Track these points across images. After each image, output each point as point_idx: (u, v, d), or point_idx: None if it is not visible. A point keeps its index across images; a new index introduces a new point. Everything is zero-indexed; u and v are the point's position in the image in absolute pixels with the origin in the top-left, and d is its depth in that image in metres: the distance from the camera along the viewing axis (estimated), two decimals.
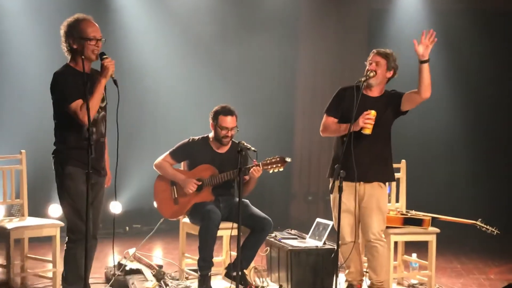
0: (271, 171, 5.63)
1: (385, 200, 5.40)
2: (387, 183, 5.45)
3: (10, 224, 5.36)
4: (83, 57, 4.49)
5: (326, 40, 9.51)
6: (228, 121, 5.72)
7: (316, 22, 9.58)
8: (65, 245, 4.68)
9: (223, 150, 5.84)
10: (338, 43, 9.52)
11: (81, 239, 4.57)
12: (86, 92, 4.41)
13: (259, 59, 9.30)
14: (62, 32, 4.59)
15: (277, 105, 9.48)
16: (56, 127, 4.66)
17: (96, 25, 4.60)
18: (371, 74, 5.23)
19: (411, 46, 9.15)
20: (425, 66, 5.15)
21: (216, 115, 5.76)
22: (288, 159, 5.60)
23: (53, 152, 4.67)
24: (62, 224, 5.51)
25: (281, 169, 5.63)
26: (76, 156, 4.57)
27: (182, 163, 5.97)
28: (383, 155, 5.37)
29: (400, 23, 9.44)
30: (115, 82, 4.50)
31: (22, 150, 5.72)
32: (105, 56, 4.49)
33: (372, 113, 5.17)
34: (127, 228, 8.68)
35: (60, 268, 5.54)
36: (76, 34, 4.53)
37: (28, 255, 5.66)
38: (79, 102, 4.47)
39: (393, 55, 5.36)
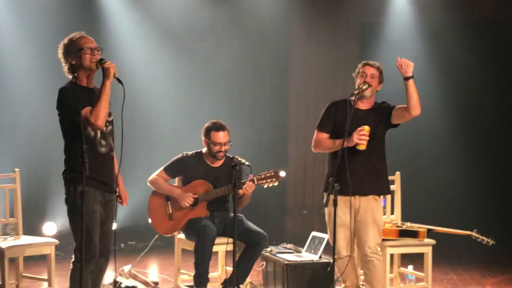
0: (265, 186, 5.63)
1: (380, 213, 5.39)
2: (381, 196, 5.45)
3: (5, 243, 5.34)
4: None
5: (318, 52, 9.54)
6: (221, 136, 5.73)
7: (307, 34, 9.61)
8: (71, 264, 4.62)
9: (217, 164, 5.84)
10: (330, 55, 9.56)
11: (88, 259, 4.52)
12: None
13: (252, 72, 9.33)
14: (60, 54, 4.63)
15: (270, 119, 9.49)
16: (65, 145, 4.61)
17: (90, 37, 4.66)
18: (364, 87, 5.22)
19: (403, 55, 9.19)
20: (410, 83, 5.14)
21: (208, 131, 5.76)
22: (283, 173, 5.61)
23: (64, 172, 4.61)
24: (57, 242, 5.49)
25: (276, 184, 5.63)
26: (89, 175, 4.41)
27: (176, 178, 5.97)
28: (378, 168, 5.36)
29: (392, 35, 9.49)
30: (119, 80, 4.51)
31: (15, 169, 5.70)
32: (104, 61, 4.53)
33: (366, 128, 5.16)
34: (122, 245, 8.63)
35: (56, 286, 5.54)
36: (72, 49, 4.57)
37: (23, 274, 5.63)
38: (89, 108, 4.47)
39: (382, 68, 5.39)
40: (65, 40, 4.64)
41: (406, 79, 5.12)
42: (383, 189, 5.41)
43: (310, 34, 9.58)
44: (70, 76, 4.62)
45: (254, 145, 8.75)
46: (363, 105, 5.31)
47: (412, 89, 5.14)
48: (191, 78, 9.11)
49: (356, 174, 5.24)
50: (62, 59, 4.63)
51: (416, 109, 5.17)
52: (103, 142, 4.62)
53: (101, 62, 4.53)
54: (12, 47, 8.04)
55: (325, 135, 5.39)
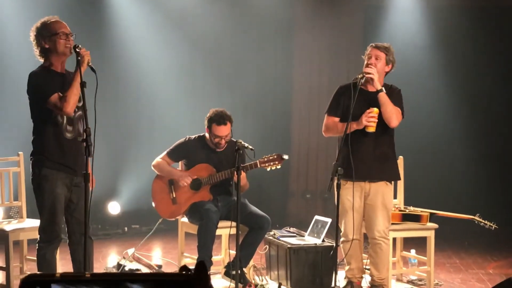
0: (268, 169, 5.64)
1: (390, 198, 5.39)
2: (392, 182, 5.46)
3: (9, 226, 5.37)
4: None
5: (321, 37, 9.50)
6: (221, 129, 5.72)
7: (311, 19, 9.56)
8: (37, 244, 4.78)
9: (220, 148, 5.85)
10: (334, 40, 9.51)
11: (52, 240, 4.73)
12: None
13: (255, 57, 9.30)
14: (32, 36, 4.68)
15: (273, 103, 9.48)
16: (34, 129, 4.71)
17: (64, 22, 4.69)
18: (359, 76, 5.18)
19: (406, 42, 9.20)
20: (380, 97, 5.18)
21: (210, 123, 5.76)
22: (286, 156, 5.61)
23: (31, 154, 4.73)
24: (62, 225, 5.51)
25: (279, 167, 5.64)
26: (52, 158, 4.64)
27: (179, 163, 5.99)
28: (387, 153, 5.36)
29: (396, 20, 9.45)
30: (92, 69, 4.46)
31: (19, 152, 5.71)
32: (79, 47, 4.52)
33: (375, 110, 5.16)
34: (126, 228, 8.68)
35: (60, 269, 5.58)
36: (46, 33, 4.62)
37: (27, 257, 5.65)
38: (58, 94, 4.53)
39: (391, 49, 5.37)
40: (38, 24, 4.68)
41: (377, 92, 5.18)
42: (392, 174, 5.42)
43: (314, 19, 9.54)
44: (41, 60, 4.68)
45: (258, 129, 8.74)
46: (372, 88, 5.29)
47: (382, 103, 5.18)
48: (195, 63, 9.09)
49: (365, 159, 5.26)
50: (34, 42, 4.68)
51: (390, 122, 5.22)
52: (69, 127, 4.68)
53: (75, 48, 4.52)
54: (18, 32, 8.03)
55: (335, 119, 5.38)
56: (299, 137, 9.70)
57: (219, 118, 5.72)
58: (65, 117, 4.62)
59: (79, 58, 4.49)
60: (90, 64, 4.50)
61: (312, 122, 9.62)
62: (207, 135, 5.87)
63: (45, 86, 4.55)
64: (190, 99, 9.04)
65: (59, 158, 4.65)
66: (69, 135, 4.68)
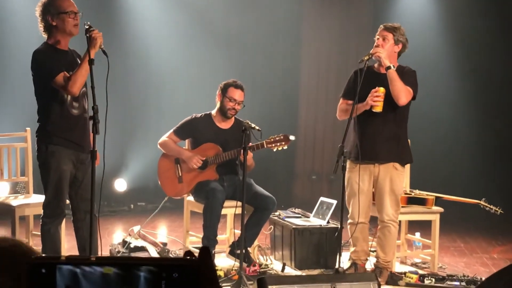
0: (275, 149, 5.63)
1: (399, 183, 5.36)
2: (404, 166, 5.45)
3: (15, 201, 5.39)
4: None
5: (330, 21, 9.46)
6: (237, 94, 5.73)
7: (320, 4, 9.53)
8: (41, 220, 4.82)
9: (227, 126, 5.85)
10: (343, 24, 9.46)
11: (56, 216, 4.79)
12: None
13: (263, 39, 9.27)
14: (38, 12, 4.65)
15: (281, 85, 9.45)
16: (39, 106, 4.72)
17: (72, 0, 4.65)
18: (365, 58, 5.16)
19: (416, 29, 9.14)
20: (389, 73, 5.16)
21: (226, 86, 5.75)
22: (292, 137, 5.60)
23: (37, 131, 4.74)
24: (67, 201, 5.53)
25: (285, 147, 5.63)
26: (59, 134, 4.65)
27: (186, 141, 5.99)
28: (397, 134, 5.34)
29: (405, 6, 9.39)
30: (104, 52, 4.42)
31: (27, 128, 5.72)
32: (92, 29, 4.45)
33: (381, 90, 5.15)
34: (132, 206, 8.72)
35: (65, 245, 5.62)
36: (53, 11, 4.58)
37: (33, 232, 5.68)
38: (64, 74, 4.53)
39: (401, 29, 5.34)
40: (44, 0, 4.63)
41: (386, 69, 5.16)
42: (402, 156, 5.38)
43: (323, 3, 9.49)
44: (45, 35, 4.66)
45: (265, 110, 8.72)
46: (383, 69, 5.27)
47: (391, 80, 5.15)
48: (204, 42, 9.07)
49: (374, 140, 5.27)
50: (39, 17, 4.64)
51: (398, 99, 5.17)
52: (75, 104, 4.69)
53: (88, 30, 4.45)
54: (25, 9, 8.00)
55: (349, 102, 5.34)
56: (306, 118, 9.69)
57: (236, 83, 5.76)
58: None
59: (90, 39, 4.41)
60: (102, 47, 4.45)
61: (319, 103, 9.61)
62: (213, 112, 5.86)
63: (51, 65, 4.53)
64: (198, 78, 9.01)
65: (65, 134, 4.66)
66: (76, 111, 4.69)
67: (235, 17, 9.10)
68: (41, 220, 4.82)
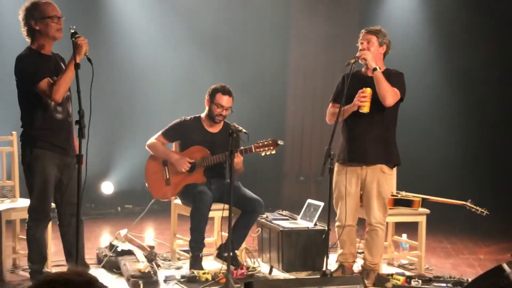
0: (263, 154, 5.64)
1: (386, 186, 5.38)
2: (393, 168, 5.46)
3: (1, 205, 5.36)
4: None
5: (317, 23, 9.47)
6: (225, 100, 5.73)
7: (308, 4, 9.55)
8: (26, 224, 4.83)
9: (215, 130, 5.85)
10: (330, 25, 9.49)
11: (41, 219, 4.80)
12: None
13: (251, 41, 9.28)
14: (21, 16, 4.65)
15: (268, 86, 9.46)
16: (22, 111, 4.71)
17: (54, 4, 4.66)
18: (352, 61, 5.18)
19: (402, 27, 9.16)
20: (375, 75, 5.19)
21: (214, 92, 5.76)
22: (281, 142, 5.61)
23: (22, 135, 4.74)
24: (53, 205, 5.51)
25: (273, 152, 5.64)
26: (44, 138, 4.66)
27: (173, 144, 5.98)
28: (385, 136, 5.36)
29: (392, 4, 9.43)
30: (89, 60, 4.40)
31: (13, 132, 5.69)
32: (77, 35, 4.44)
33: (368, 90, 5.18)
34: (119, 208, 8.70)
35: (52, 248, 5.59)
36: (37, 15, 4.59)
37: (20, 236, 5.66)
38: (48, 80, 4.53)
39: (382, 31, 5.39)
40: (28, 3, 4.64)
41: (372, 71, 5.19)
42: (389, 158, 5.38)
43: (310, 3, 9.51)
44: (28, 39, 4.65)
45: (252, 111, 8.71)
46: (371, 72, 5.28)
47: (377, 81, 5.18)
48: (192, 44, 9.06)
49: (361, 141, 5.29)
50: (22, 21, 4.64)
51: (384, 99, 5.19)
52: (59, 108, 4.71)
53: (74, 36, 4.44)
54: (15, 12, 7.97)
55: (338, 106, 5.34)
56: (294, 119, 9.71)
57: (224, 89, 5.76)
58: None
59: (76, 46, 4.40)
60: (87, 54, 4.44)
61: (306, 104, 9.63)
62: (202, 115, 5.87)
63: (34, 70, 4.52)
64: (186, 79, 9.01)
65: (50, 138, 4.67)
66: (60, 115, 4.70)
67: (222, 20, 9.10)
68: (26, 224, 4.81)
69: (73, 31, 4.45)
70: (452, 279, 5.48)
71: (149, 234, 7.43)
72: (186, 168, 5.73)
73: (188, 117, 5.91)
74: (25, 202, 5.49)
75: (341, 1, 9.57)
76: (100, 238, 7.17)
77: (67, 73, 4.48)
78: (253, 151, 5.61)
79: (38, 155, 4.65)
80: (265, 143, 5.61)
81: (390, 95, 5.18)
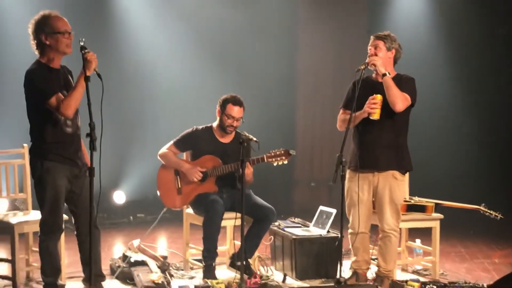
0: (275, 164, 5.62)
1: (398, 192, 5.34)
2: (405, 174, 5.43)
3: (14, 218, 5.37)
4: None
5: (326, 27, 9.48)
6: (235, 110, 5.72)
7: (315, 10, 9.55)
8: (38, 237, 4.83)
9: (227, 140, 5.84)
10: (338, 31, 9.49)
11: (54, 232, 4.80)
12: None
13: (259, 48, 9.29)
14: (31, 29, 4.64)
15: (277, 92, 9.46)
16: (32, 124, 4.71)
17: (64, 19, 4.65)
18: (362, 67, 5.17)
19: (411, 30, 9.13)
20: (384, 80, 5.16)
21: (225, 103, 5.74)
22: (293, 152, 5.60)
23: (31, 148, 4.74)
24: (66, 217, 5.51)
25: (285, 162, 5.64)
26: (54, 151, 4.66)
27: (184, 153, 5.98)
28: (396, 142, 5.32)
29: (401, 8, 9.40)
30: (99, 75, 4.42)
31: (24, 144, 5.71)
32: (86, 50, 4.46)
33: (378, 97, 5.16)
34: (131, 217, 8.70)
35: (66, 260, 5.60)
36: (47, 30, 4.58)
37: (33, 249, 5.67)
38: (59, 96, 4.54)
39: (391, 36, 5.35)
40: (38, 17, 4.64)
41: (382, 76, 5.16)
42: (401, 163, 5.35)
43: (318, 10, 9.52)
44: (37, 53, 4.66)
45: (263, 117, 8.72)
46: (381, 77, 5.25)
47: (386, 87, 5.15)
48: (201, 54, 9.07)
49: (372, 148, 5.27)
50: (32, 35, 4.64)
51: (394, 105, 5.16)
52: (68, 122, 4.71)
53: (83, 49, 4.45)
54: (23, 26, 8.00)
55: (349, 112, 5.30)
56: (304, 124, 9.71)
57: (235, 99, 5.74)
58: None
59: (86, 61, 4.43)
60: (96, 70, 4.45)
61: (316, 110, 9.63)
62: (214, 125, 5.86)
63: (45, 86, 4.52)
64: (195, 88, 9.03)
65: (61, 151, 4.68)
66: (69, 129, 4.71)
67: (229, 28, 9.11)
68: (38, 238, 4.81)
69: (82, 43, 4.45)
70: (467, 285, 5.43)
71: (162, 244, 7.43)
72: (198, 177, 5.73)
73: (200, 127, 5.90)
74: (38, 215, 5.47)
75: (349, 6, 9.55)
76: (113, 248, 7.17)
77: (78, 89, 4.48)
78: (265, 161, 5.60)
79: (49, 168, 4.65)
80: (277, 153, 5.60)
81: (400, 101, 5.15)
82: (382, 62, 5.22)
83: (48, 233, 4.79)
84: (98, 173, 4.40)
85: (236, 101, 5.74)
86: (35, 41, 4.63)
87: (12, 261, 5.27)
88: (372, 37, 5.38)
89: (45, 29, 4.58)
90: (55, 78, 4.60)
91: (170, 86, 9.03)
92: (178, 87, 9.03)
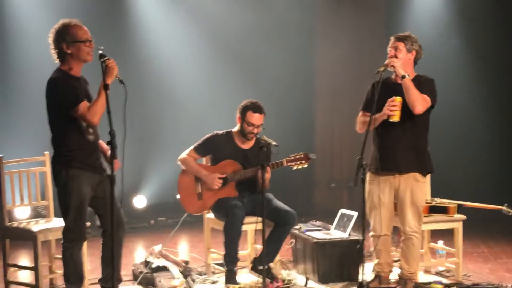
0: (295, 168, 5.60)
1: (420, 194, 5.30)
2: (426, 176, 5.38)
3: (36, 226, 5.39)
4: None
5: (343, 28, 9.45)
6: (256, 118, 5.69)
7: (332, 12, 9.53)
8: (62, 245, 4.84)
9: (247, 146, 5.83)
10: (356, 30, 9.45)
11: (78, 240, 4.80)
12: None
13: (276, 49, 9.29)
14: (51, 38, 4.66)
15: (296, 92, 9.44)
16: (55, 133, 4.71)
17: (85, 27, 4.68)
18: (381, 69, 5.12)
19: (429, 30, 9.07)
20: (404, 82, 5.11)
21: (245, 110, 5.72)
22: (313, 156, 5.58)
23: (55, 157, 4.74)
24: (88, 223, 5.53)
25: (305, 166, 5.61)
26: (79, 159, 4.68)
27: (204, 158, 5.98)
28: (416, 144, 5.28)
29: (418, 8, 9.35)
30: (121, 81, 4.48)
31: (45, 152, 5.74)
32: (106, 58, 4.49)
33: (397, 99, 5.11)
34: (152, 221, 8.73)
35: (88, 266, 5.62)
36: (68, 39, 4.61)
37: (56, 256, 5.69)
38: (85, 103, 4.56)
39: (411, 37, 5.29)
40: (59, 26, 4.66)
41: (401, 78, 5.12)
42: (422, 166, 5.30)
43: (335, 12, 9.50)
44: (58, 62, 4.68)
45: (281, 119, 8.71)
46: (400, 79, 5.21)
47: (406, 89, 5.10)
48: (219, 59, 9.08)
49: (392, 150, 5.23)
50: (53, 44, 4.66)
51: (414, 107, 5.11)
52: (90, 130, 4.73)
53: (102, 57, 4.48)
54: (43, 34, 8.05)
55: (368, 114, 5.27)
56: (322, 126, 9.70)
57: (255, 106, 5.71)
58: None
59: (107, 69, 4.46)
60: (118, 77, 4.50)
61: (336, 110, 9.60)
62: (234, 130, 5.85)
63: (73, 94, 4.54)
64: (214, 92, 9.04)
65: (84, 158, 4.69)
66: (92, 137, 4.73)
67: (246, 30, 9.11)
68: (62, 246, 4.83)
69: (101, 52, 4.47)
70: (491, 286, 5.40)
71: (183, 247, 7.44)
72: (218, 185, 5.72)
73: (220, 132, 5.90)
74: (60, 222, 5.52)
75: (367, 5, 9.51)
76: (135, 253, 7.20)
77: (102, 96, 4.50)
78: (285, 165, 5.58)
79: (74, 175, 4.67)
80: (297, 156, 5.58)
81: (419, 103, 5.11)
82: (401, 64, 5.18)
83: (72, 240, 4.81)
84: (120, 178, 4.46)
85: (257, 108, 5.71)
86: (56, 50, 4.65)
87: (35, 269, 5.30)
88: (392, 38, 5.33)
89: (66, 38, 4.60)
90: (78, 86, 4.63)
91: (189, 90, 9.04)
92: (196, 91, 9.05)
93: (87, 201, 4.77)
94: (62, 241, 4.85)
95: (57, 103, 4.60)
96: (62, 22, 4.68)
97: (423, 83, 5.22)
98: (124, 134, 4.34)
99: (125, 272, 6.00)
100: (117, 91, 4.41)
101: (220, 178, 5.73)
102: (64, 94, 4.55)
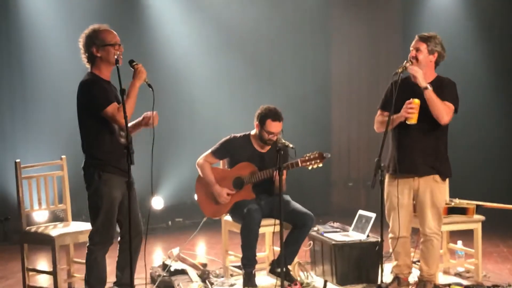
0: (310, 167, 5.56)
1: (440, 195, 5.25)
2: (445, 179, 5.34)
3: (55, 230, 5.41)
4: (117, 64, 4.63)
5: (359, 27, 9.43)
6: (275, 126, 5.66)
7: (348, 12, 9.50)
8: (87, 248, 4.85)
9: (265, 149, 5.81)
10: (372, 29, 9.43)
11: (105, 243, 4.82)
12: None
13: (292, 49, 9.27)
14: (82, 43, 4.77)
15: (312, 93, 9.42)
16: (88, 135, 4.74)
17: (114, 31, 4.77)
18: (399, 70, 5.06)
19: (446, 30, 9.00)
20: (426, 94, 5.04)
21: (264, 118, 5.68)
22: (327, 155, 5.54)
23: (88, 160, 4.76)
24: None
25: (320, 165, 5.56)
26: (112, 163, 4.72)
27: (221, 161, 5.98)
28: (435, 147, 5.22)
29: (435, 7, 9.28)
30: (149, 85, 4.63)
31: (62, 156, 5.76)
32: (135, 63, 4.66)
33: (415, 101, 5.06)
34: (170, 222, 8.74)
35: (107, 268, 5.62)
36: (98, 43, 4.70)
37: (74, 259, 5.71)
38: (115, 105, 4.62)
39: (436, 38, 5.20)
40: (89, 31, 4.75)
41: (423, 89, 5.06)
42: (441, 169, 5.24)
43: (351, 12, 9.49)
44: (88, 66, 4.77)
45: (298, 118, 8.68)
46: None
47: (429, 100, 5.05)
48: (235, 61, 9.07)
49: (411, 152, 5.18)
50: (83, 48, 4.76)
51: (440, 119, 5.06)
52: (122, 133, 4.76)
53: (131, 63, 4.64)
54: (59, 38, 8.09)
55: (386, 114, 5.23)
56: (339, 125, 9.67)
57: (274, 115, 5.67)
58: None
59: (136, 72, 4.63)
60: (146, 81, 4.63)
61: (351, 110, 9.57)
62: (252, 133, 5.83)
63: (103, 95, 4.62)
64: (230, 96, 9.04)
65: (117, 162, 4.72)
66: (123, 140, 4.74)
67: (263, 32, 9.11)
68: (87, 248, 4.84)
69: (130, 58, 4.63)
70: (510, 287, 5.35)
71: (201, 249, 7.44)
72: (225, 201, 5.77)
73: (238, 135, 5.88)
74: (78, 226, 5.56)
75: (382, 4, 9.46)
76: (153, 255, 7.20)
77: (131, 97, 4.62)
78: (300, 165, 5.55)
79: (106, 180, 4.71)
80: (311, 156, 5.53)
81: (445, 114, 5.05)
82: (422, 74, 5.09)
83: (99, 243, 4.82)
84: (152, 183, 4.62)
85: (276, 116, 5.66)
86: (86, 54, 4.74)
87: (53, 274, 5.31)
88: (416, 37, 5.26)
89: (96, 42, 4.69)
90: (109, 89, 4.70)
91: (205, 91, 9.06)
92: (213, 92, 9.07)
93: (117, 205, 4.81)
94: (88, 244, 4.86)
95: (89, 105, 4.66)
96: (92, 27, 4.78)
97: (445, 89, 5.15)
98: (153, 136, 4.52)
99: (142, 274, 6.00)
100: (143, 94, 4.46)
101: (236, 179, 5.72)
102: (95, 95, 4.62)
